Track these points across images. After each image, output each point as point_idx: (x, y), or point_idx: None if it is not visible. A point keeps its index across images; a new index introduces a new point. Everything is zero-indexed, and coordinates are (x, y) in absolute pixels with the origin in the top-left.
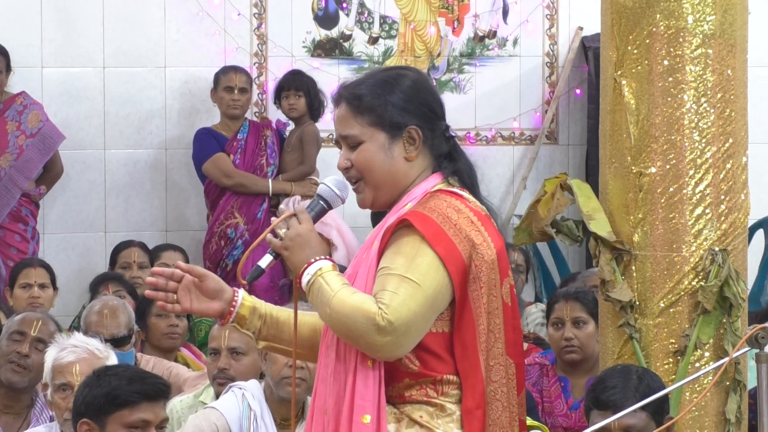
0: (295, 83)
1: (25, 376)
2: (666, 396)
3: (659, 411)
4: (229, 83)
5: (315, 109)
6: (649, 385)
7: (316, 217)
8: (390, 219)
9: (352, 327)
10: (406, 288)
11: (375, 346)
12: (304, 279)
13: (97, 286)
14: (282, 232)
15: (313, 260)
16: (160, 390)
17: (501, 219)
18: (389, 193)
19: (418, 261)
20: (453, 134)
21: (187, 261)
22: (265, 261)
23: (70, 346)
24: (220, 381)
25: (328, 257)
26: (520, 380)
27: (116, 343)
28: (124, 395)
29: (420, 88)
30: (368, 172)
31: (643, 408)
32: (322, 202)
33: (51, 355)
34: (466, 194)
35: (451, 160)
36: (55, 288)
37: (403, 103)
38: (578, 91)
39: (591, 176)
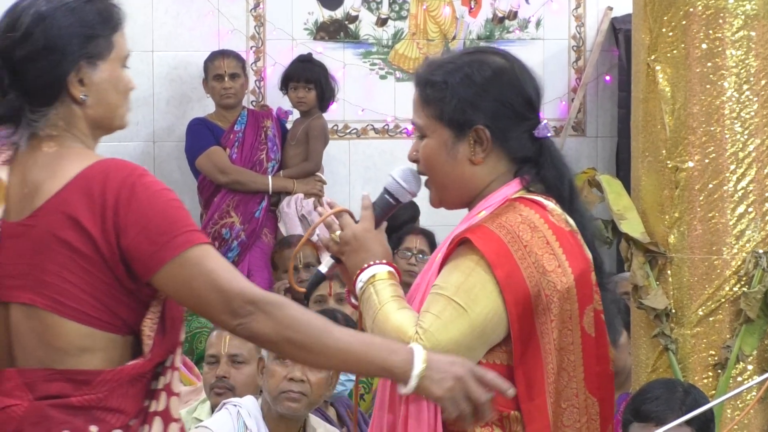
0: (305, 74)
1: None
2: (712, 414)
3: (705, 428)
4: (217, 71)
5: (325, 100)
6: (696, 400)
7: (382, 215)
8: (459, 228)
9: None
10: (450, 312)
11: None
12: (357, 286)
13: None
14: (337, 234)
15: (367, 265)
16: None
17: (596, 230)
18: (457, 197)
19: (470, 283)
20: (542, 134)
21: None
22: (326, 265)
23: None
24: (218, 390)
25: (386, 261)
26: (606, 417)
27: None
28: None
29: (502, 79)
30: (431, 171)
31: (688, 423)
32: (387, 197)
33: None
34: (551, 204)
35: (536, 164)
36: None
37: (473, 98)
38: (608, 77)
39: (622, 171)
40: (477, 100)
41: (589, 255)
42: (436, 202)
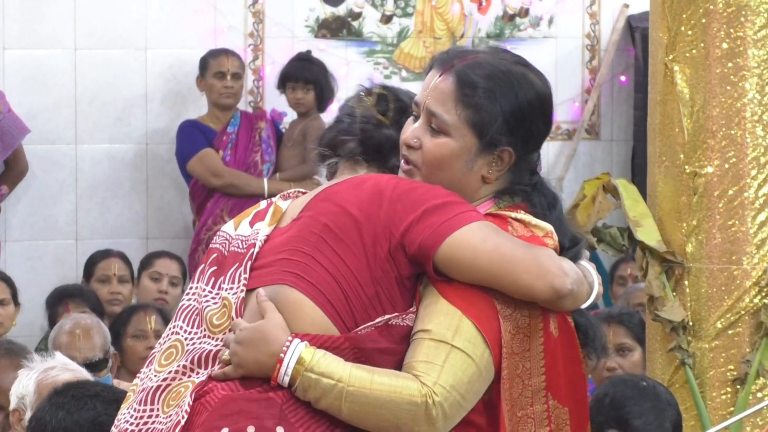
0: (304, 74)
1: None
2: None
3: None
4: (220, 68)
5: (325, 101)
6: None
7: None
8: None
9: None
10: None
11: None
12: (282, 378)
13: (55, 306)
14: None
15: (282, 350)
16: None
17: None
18: None
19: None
20: (540, 169)
21: (184, 271)
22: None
23: (59, 364)
24: None
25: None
26: (581, 423)
27: (91, 367)
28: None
29: (541, 106)
30: (436, 169)
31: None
32: None
33: (33, 377)
34: (517, 215)
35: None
36: (16, 304)
37: (514, 120)
38: (623, 78)
39: (638, 176)
40: (516, 123)
41: None
42: None
